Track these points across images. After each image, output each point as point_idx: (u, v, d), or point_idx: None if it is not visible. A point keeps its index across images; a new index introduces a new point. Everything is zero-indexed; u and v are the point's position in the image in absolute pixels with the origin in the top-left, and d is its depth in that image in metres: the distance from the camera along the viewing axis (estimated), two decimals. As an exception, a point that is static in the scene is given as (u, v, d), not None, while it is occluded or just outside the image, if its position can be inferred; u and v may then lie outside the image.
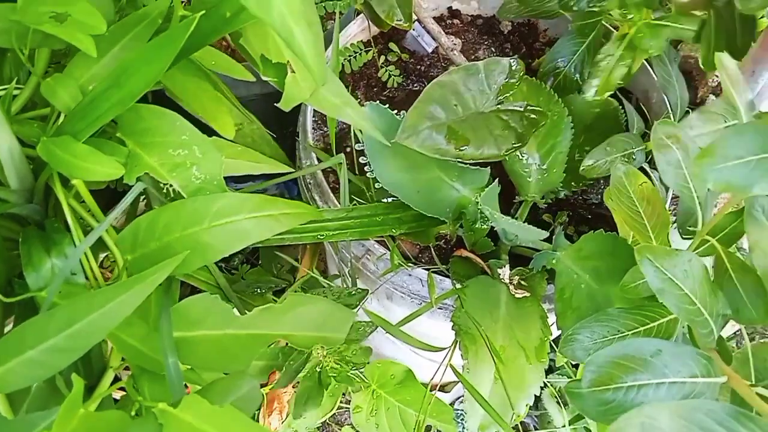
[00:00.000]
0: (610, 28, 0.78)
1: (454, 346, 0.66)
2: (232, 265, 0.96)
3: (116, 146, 0.49)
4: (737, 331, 1.24)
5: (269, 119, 0.71)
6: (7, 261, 0.54)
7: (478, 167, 0.65)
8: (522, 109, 0.64)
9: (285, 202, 0.49)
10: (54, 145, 0.46)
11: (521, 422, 1.13)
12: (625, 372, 0.41)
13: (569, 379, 0.98)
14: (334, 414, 1.11)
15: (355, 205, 0.65)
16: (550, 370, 1.14)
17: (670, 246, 0.56)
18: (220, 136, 0.57)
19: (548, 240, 0.69)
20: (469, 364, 0.62)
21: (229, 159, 0.58)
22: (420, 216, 0.69)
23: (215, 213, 0.46)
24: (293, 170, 0.60)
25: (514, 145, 0.62)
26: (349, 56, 0.81)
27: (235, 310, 0.48)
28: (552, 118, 0.68)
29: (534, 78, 0.71)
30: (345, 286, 0.79)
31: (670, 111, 0.81)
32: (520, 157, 0.68)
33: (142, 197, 0.55)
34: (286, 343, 0.80)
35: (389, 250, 0.71)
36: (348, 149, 0.79)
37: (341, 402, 1.00)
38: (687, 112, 0.79)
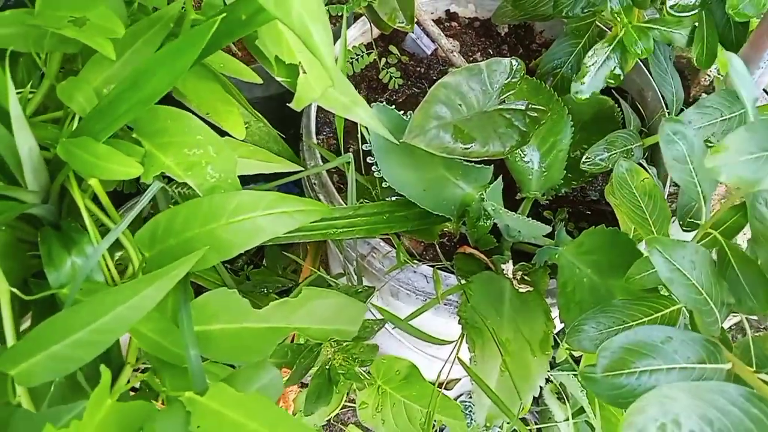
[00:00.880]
0: (605, 28, 0.80)
1: (461, 340, 0.68)
2: (237, 266, 0.97)
3: (133, 147, 0.50)
4: (732, 325, 1.26)
5: (272, 122, 0.72)
6: (22, 261, 0.55)
7: (481, 165, 0.66)
8: (524, 108, 0.66)
9: (298, 200, 0.50)
10: (74, 145, 0.47)
11: (522, 418, 1.15)
12: (637, 358, 0.42)
13: (574, 372, 1.00)
14: (338, 413, 1.12)
15: (361, 203, 0.66)
16: (550, 366, 1.16)
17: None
18: (231, 137, 0.59)
19: (550, 236, 0.71)
20: (476, 357, 0.64)
21: (242, 158, 0.59)
22: (425, 214, 0.71)
23: (232, 210, 0.47)
24: (302, 169, 0.62)
25: (518, 142, 0.64)
26: (351, 59, 0.82)
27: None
28: (552, 116, 0.69)
29: (533, 78, 0.72)
30: (350, 284, 0.80)
31: (665, 108, 0.83)
32: (522, 156, 0.70)
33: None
34: (292, 340, 0.81)
35: (394, 247, 0.73)
36: (351, 149, 0.80)
37: (345, 401, 1.01)
38: (681, 110, 0.81)
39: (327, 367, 0.69)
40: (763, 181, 0.37)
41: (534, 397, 0.68)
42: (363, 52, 0.84)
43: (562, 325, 0.67)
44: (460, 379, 1.13)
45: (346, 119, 0.72)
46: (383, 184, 0.65)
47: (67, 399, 0.49)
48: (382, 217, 0.68)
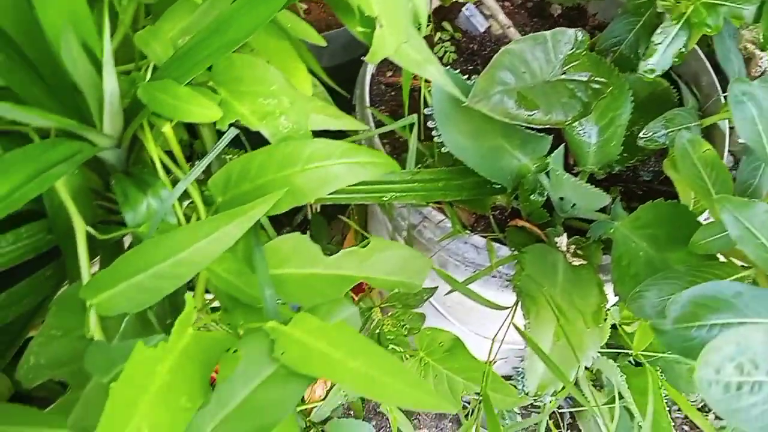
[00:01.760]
0: (664, 7, 0.80)
1: (515, 307, 0.68)
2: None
3: (209, 94, 0.51)
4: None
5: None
6: (90, 208, 0.56)
7: (542, 134, 0.66)
8: (587, 80, 0.66)
9: (370, 152, 0.50)
10: (155, 88, 0.48)
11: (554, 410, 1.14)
12: (707, 312, 0.42)
13: (618, 351, 0.99)
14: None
15: (419, 169, 0.67)
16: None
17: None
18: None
19: (602, 211, 0.71)
20: (530, 324, 0.64)
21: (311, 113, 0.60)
22: (479, 184, 0.71)
23: (307, 157, 0.48)
24: (367, 130, 0.62)
25: (580, 113, 0.64)
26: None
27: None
28: (612, 91, 0.69)
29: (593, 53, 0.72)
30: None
31: (720, 93, 0.82)
32: (581, 129, 0.70)
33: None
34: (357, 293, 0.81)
35: (447, 217, 0.73)
36: (400, 115, 0.81)
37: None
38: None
39: (377, 332, 0.69)
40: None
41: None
42: (419, 24, 0.84)
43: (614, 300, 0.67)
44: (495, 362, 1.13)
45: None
46: (443, 149, 0.65)
47: (137, 336, 0.50)
48: (438, 184, 0.68)
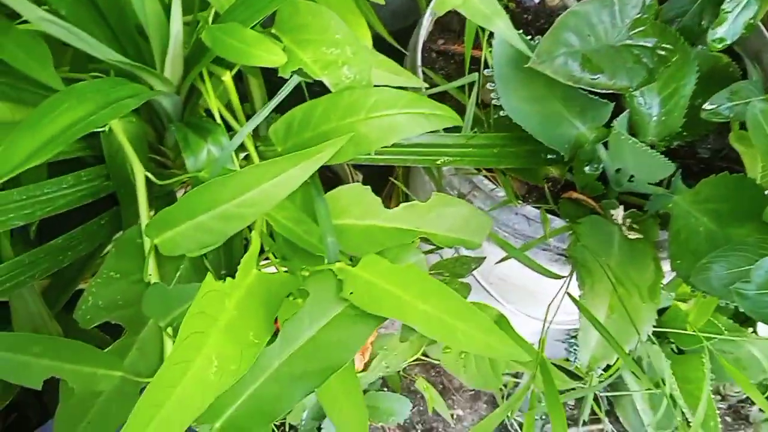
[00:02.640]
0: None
1: (570, 278, 0.66)
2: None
3: (273, 41, 0.50)
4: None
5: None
6: (145, 157, 0.56)
7: (604, 101, 0.64)
8: (652, 46, 0.64)
9: (434, 104, 0.49)
10: (220, 31, 0.47)
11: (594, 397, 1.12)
12: (792, 277, 0.40)
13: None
14: (409, 366, 1.12)
15: (475, 133, 0.65)
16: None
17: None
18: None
19: (659, 185, 0.69)
20: (585, 295, 0.62)
21: (371, 67, 0.59)
22: (534, 153, 0.70)
23: (371, 105, 0.47)
24: (427, 86, 0.61)
25: (645, 79, 0.61)
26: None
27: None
28: (676, 61, 0.67)
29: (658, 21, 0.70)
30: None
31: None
32: (642, 99, 0.68)
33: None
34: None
35: (498, 186, 0.71)
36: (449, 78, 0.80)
37: (419, 354, 1.00)
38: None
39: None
40: None
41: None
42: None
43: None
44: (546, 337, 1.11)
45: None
46: (501, 113, 0.64)
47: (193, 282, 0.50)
48: (492, 150, 0.66)
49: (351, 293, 0.36)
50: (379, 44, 0.75)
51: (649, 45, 0.63)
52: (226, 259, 0.53)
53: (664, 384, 0.98)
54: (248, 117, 0.69)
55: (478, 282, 0.91)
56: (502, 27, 0.51)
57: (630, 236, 0.68)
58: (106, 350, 0.47)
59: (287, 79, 0.49)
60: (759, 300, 0.41)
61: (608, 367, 1.01)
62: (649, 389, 1.02)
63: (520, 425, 1.15)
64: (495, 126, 0.68)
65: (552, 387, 0.49)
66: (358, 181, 1.08)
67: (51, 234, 0.55)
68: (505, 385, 1.11)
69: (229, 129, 0.55)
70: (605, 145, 0.67)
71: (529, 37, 0.88)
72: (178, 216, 0.42)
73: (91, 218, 0.57)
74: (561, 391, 1.12)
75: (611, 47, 0.62)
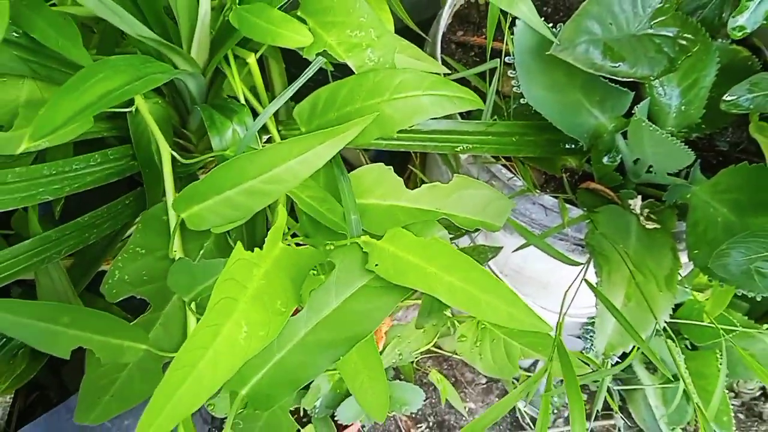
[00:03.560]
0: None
1: (587, 265, 0.66)
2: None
3: (298, 23, 0.51)
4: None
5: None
6: (170, 139, 0.57)
7: (624, 90, 0.65)
8: (673, 36, 0.64)
9: (457, 86, 0.50)
10: (248, 11, 0.48)
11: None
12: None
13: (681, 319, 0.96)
14: (422, 359, 1.12)
15: (495, 120, 0.66)
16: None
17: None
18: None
19: (677, 176, 0.69)
20: (602, 283, 0.62)
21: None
22: (552, 142, 0.70)
23: (396, 86, 0.47)
24: (449, 72, 0.61)
25: (666, 68, 0.62)
26: (484, -12, 0.81)
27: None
28: (698, 51, 0.67)
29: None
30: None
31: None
32: (661, 89, 0.68)
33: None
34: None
35: (516, 175, 0.72)
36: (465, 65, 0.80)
37: (432, 345, 1.00)
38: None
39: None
40: None
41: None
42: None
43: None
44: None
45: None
46: (521, 101, 0.64)
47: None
48: (512, 139, 0.67)
49: (376, 265, 0.36)
50: (401, 34, 0.76)
51: (670, 35, 0.64)
52: (248, 237, 0.53)
53: (677, 379, 0.98)
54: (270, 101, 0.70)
55: (493, 272, 0.91)
56: (525, 11, 0.52)
57: (648, 226, 0.68)
58: (132, 323, 0.48)
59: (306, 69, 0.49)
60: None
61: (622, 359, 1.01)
62: (662, 384, 1.02)
63: (532, 420, 1.15)
64: (515, 115, 0.69)
65: (570, 368, 0.49)
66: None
67: (73, 216, 0.55)
68: (517, 379, 1.11)
69: (253, 112, 0.55)
70: (624, 135, 0.67)
71: (553, 26, 0.89)
72: (205, 191, 0.43)
73: (112, 200, 0.58)
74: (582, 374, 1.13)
75: (633, 36, 0.63)
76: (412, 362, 1.04)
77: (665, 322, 0.64)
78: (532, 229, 0.74)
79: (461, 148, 0.64)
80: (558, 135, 0.68)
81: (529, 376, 1.13)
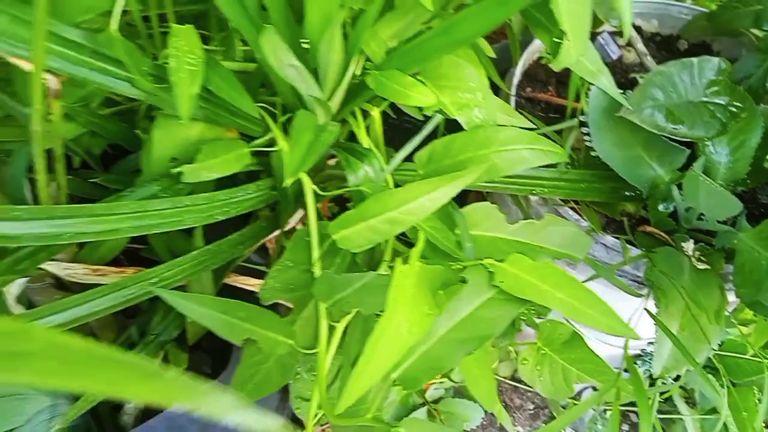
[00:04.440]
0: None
1: (647, 297, 0.76)
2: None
3: (424, 87, 0.62)
4: None
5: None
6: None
7: (681, 147, 0.75)
8: (725, 103, 0.74)
9: (549, 142, 0.61)
10: (384, 76, 0.60)
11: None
12: None
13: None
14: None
15: (567, 169, 0.76)
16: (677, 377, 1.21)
17: None
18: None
19: (724, 223, 0.78)
20: (660, 313, 0.72)
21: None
22: (615, 189, 0.80)
23: (501, 140, 0.59)
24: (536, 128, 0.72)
25: (718, 131, 0.72)
26: (554, 53, 0.93)
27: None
28: (746, 117, 0.77)
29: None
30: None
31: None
32: (713, 148, 0.78)
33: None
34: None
35: (581, 217, 0.82)
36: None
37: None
38: None
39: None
40: None
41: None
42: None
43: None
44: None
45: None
46: (591, 153, 0.75)
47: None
48: (581, 185, 0.77)
49: (501, 282, 0.47)
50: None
51: (722, 102, 0.74)
52: (368, 258, 0.64)
53: (716, 412, 1.05)
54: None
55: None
56: (605, 82, 0.63)
57: (699, 266, 0.77)
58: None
59: (396, 119, 0.61)
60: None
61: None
62: (702, 416, 1.09)
63: (575, 447, 1.22)
64: (584, 164, 0.79)
65: (638, 380, 0.59)
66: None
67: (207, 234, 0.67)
68: (564, 407, 1.19)
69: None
70: (678, 186, 0.77)
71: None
72: (355, 218, 0.54)
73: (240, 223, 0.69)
74: (624, 405, 1.20)
75: (690, 103, 0.73)
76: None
77: (710, 356, 0.73)
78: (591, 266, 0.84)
79: (538, 191, 0.75)
80: (620, 184, 0.78)
81: (575, 404, 1.22)
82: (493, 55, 0.75)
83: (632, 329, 0.45)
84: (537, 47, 1.00)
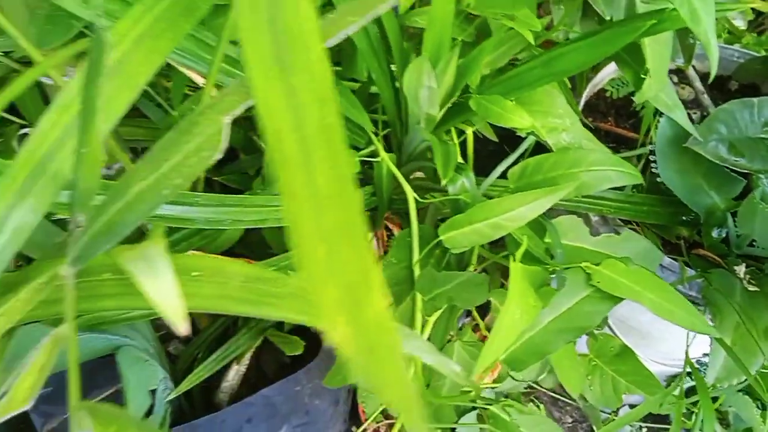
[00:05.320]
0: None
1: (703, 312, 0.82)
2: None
3: (523, 110, 0.70)
4: None
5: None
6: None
7: (739, 178, 0.82)
8: (781, 140, 0.82)
9: (629, 166, 0.68)
10: (486, 100, 0.67)
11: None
12: None
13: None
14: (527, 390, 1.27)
15: (633, 192, 0.84)
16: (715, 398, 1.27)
17: None
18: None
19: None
20: (715, 328, 0.78)
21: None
22: (674, 214, 0.87)
23: (591, 161, 0.66)
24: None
25: (775, 165, 0.79)
26: (617, 86, 1.01)
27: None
28: (797, 153, 0.84)
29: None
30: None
31: None
32: (766, 180, 0.85)
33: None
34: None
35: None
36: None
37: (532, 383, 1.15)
38: None
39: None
40: None
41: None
42: (624, 83, 1.03)
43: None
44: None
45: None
46: (657, 179, 0.82)
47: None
48: (643, 208, 0.84)
49: (598, 282, 0.54)
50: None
51: (778, 139, 0.81)
52: (458, 261, 0.72)
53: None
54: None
55: (608, 326, 1.07)
56: (680, 117, 0.70)
57: (749, 288, 0.84)
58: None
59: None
60: None
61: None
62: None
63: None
64: (647, 189, 0.87)
65: (704, 386, 0.65)
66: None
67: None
68: (604, 422, 1.24)
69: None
70: (733, 214, 0.84)
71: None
72: (462, 222, 0.61)
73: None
74: (656, 422, 1.25)
75: (749, 138, 0.81)
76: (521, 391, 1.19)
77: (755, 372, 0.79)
78: (647, 283, 0.91)
79: (605, 210, 0.82)
80: (679, 209, 0.85)
81: (614, 419, 1.27)
82: (568, 85, 0.83)
83: (706, 324, 0.52)
84: (599, 80, 1.08)
